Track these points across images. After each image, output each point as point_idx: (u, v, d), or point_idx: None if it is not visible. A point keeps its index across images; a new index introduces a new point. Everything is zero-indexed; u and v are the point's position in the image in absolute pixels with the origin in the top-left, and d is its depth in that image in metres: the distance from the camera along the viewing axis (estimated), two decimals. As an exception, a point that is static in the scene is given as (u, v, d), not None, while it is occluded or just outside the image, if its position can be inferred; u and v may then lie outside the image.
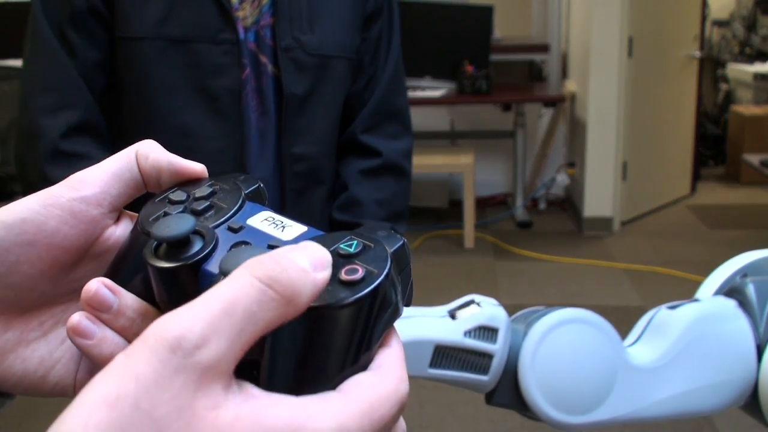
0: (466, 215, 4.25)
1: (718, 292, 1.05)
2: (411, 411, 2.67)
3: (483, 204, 5.03)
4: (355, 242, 0.35)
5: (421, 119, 4.52)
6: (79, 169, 0.37)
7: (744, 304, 1.01)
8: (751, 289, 1.00)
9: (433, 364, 1.01)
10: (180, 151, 1.15)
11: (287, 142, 1.12)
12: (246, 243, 0.37)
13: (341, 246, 0.35)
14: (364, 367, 0.33)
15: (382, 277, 0.33)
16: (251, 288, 0.29)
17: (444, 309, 1.05)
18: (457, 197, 4.85)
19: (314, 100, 1.13)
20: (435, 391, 2.76)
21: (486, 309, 1.02)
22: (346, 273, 0.33)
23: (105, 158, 0.40)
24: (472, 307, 1.03)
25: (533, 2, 5.21)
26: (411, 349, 1.00)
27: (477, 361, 1.01)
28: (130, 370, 0.26)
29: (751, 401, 1.00)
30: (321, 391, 0.31)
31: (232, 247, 0.37)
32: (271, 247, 0.36)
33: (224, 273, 0.33)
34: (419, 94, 4.29)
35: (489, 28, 4.48)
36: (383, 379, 0.33)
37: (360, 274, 0.33)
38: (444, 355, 1.01)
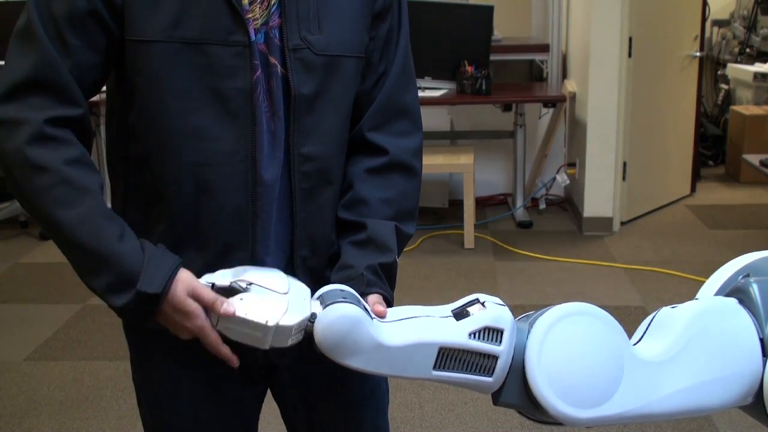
0: (466, 215, 4.25)
1: (720, 293, 1.05)
2: (411, 411, 2.67)
3: (483, 204, 5.03)
4: None
5: (421, 119, 4.52)
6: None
7: (746, 302, 1.01)
8: (755, 289, 1.00)
9: (438, 366, 1.00)
10: (192, 152, 1.22)
11: (296, 142, 1.11)
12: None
13: None
14: None
15: None
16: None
17: (448, 308, 1.04)
18: (457, 197, 4.84)
19: (323, 100, 1.12)
20: (435, 391, 2.76)
21: (491, 309, 1.01)
22: None
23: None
24: (477, 306, 1.02)
25: (533, 2, 5.21)
26: (415, 351, 0.99)
27: (482, 362, 1.00)
28: None
29: (754, 400, 0.99)
30: None
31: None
32: None
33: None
34: (419, 94, 4.28)
35: (489, 28, 4.47)
36: None
37: None
38: (448, 357, 1.00)
